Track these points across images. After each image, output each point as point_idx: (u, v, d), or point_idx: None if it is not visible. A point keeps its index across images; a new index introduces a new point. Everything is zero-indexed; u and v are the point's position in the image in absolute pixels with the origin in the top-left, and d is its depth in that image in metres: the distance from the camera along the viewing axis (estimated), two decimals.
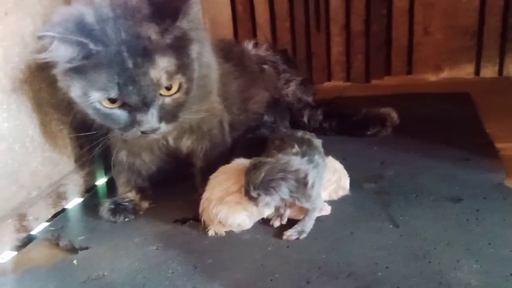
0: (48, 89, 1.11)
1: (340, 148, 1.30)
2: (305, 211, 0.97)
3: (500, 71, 1.83)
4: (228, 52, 1.28)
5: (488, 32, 1.78)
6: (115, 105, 0.91)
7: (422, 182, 1.09)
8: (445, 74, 1.89)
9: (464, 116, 1.42)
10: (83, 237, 1.05)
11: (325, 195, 1.04)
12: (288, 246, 0.93)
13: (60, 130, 1.18)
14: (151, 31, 0.87)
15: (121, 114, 0.92)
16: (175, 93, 0.94)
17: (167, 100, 0.93)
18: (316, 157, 1.00)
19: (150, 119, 0.91)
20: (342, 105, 1.54)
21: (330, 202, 1.04)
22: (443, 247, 0.86)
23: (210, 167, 1.09)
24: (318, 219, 1.00)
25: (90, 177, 1.28)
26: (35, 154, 1.10)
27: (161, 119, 0.93)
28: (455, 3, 1.78)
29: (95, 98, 0.89)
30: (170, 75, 0.91)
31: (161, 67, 0.89)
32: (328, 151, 1.10)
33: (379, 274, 0.81)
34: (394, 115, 1.39)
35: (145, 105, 0.90)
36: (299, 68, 1.66)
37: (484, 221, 0.91)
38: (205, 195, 1.01)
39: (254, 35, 1.98)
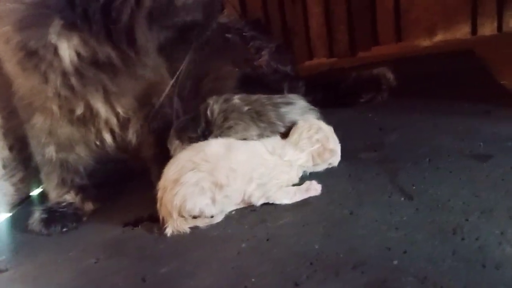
0: None
1: (329, 119, 1.08)
2: None
3: (499, 27, 1.61)
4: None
5: None
6: None
7: (434, 143, 0.85)
8: (439, 37, 1.67)
9: (472, 70, 1.19)
10: (3, 257, 0.81)
11: (305, 156, 0.82)
12: (268, 239, 0.69)
13: None
14: None
15: None
16: None
17: None
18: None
19: None
20: (327, 75, 1.31)
21: (321, 179, 0.81)
22: (478, 217, 0.62)
23: (165, 154, 0.85)
24: (306, 201, 0.77)
25: (24, 184, 1.04)
26: None
27: None
28: None
29: None
30: None
31: None
32: None
33: (395, 262, 0.57)
34: (389, 75, 1.16)
35: None
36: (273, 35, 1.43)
37: None
38: (160, 184, 0.78)
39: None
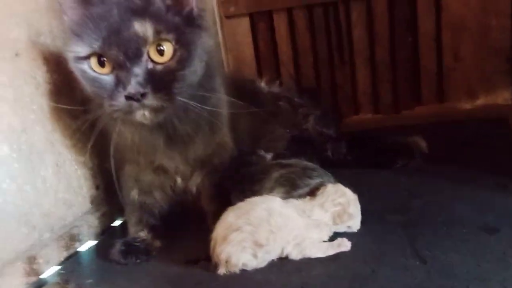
0: (62, 130, 1.13)
1: (364, 180, 1.24)
2: None
3: None
4: (240, 89, 1.24)
5: None
6: (105, 70, 0.87)
7: (453, 212, 0.99)
8: (480, 101, 1.76)
9: (502, 143, 1.30)
10: (91, 280, 1.01)
11: (327, 216, 0.96)
12: (301, 287, 0.84)
13: (75, 171, 1.18)
14: None
15: (108, 79, 0.87)
16: (169, 60, 0.88)
17: (158, 67, 0.87)
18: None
19: (133, 78, 0.83)
20: (368, 136, 1.46)
21: (351, 237, 0.96)
22: (476, 284, 0.75)
23: (221, 206, 1.04)
24: (337, 256, 0.92)
25: (106, 218, 1.25)
26: (47, 195, 1.09)
27: (147, 82, 0.84)
28: (485, 24, 1.67)
29: (81, 53, 0.86)
30: (158, 32, 0.85)
31: (149, 22, 0.84)
32: (351, 184, 1.03)
33: None
34: (422, 144, 1.30)
35: (128, 60, 0.83)
36: (322, 101, 1.61)
37: None
38: (212, 234, 0.96)
39: (277, 71, 1.95)
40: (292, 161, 1.13)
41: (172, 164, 1.07)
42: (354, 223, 0.99)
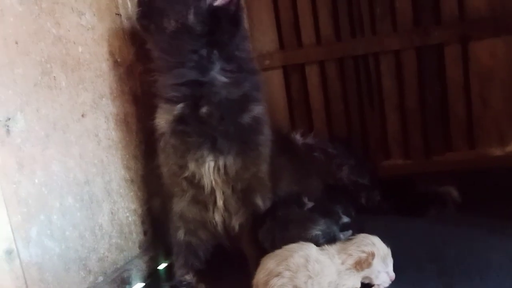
0: (118, 180, 1.24)
1: (399, 228, 1.29)
2: None
3: None
4: (279, 144, 1.33)
5: None
6: None
7: (487, 261, 1.03)
8: (511, 147, 1.80)
9: None
10: None
11: (350, 260, 1.00)
12: None
13: (126, 218, 1.27)
14: None
15: None
16: None
17: None
18: None
19: None
20: (401, 184, 1.52)
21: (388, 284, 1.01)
22: None
23: (262, 250, 1.10)
24: None
25: (153, 262, 1.34)
26: (103, 241, 1.18)
27: None
28: None
29: None
30: None
31: None
32: (386, 231, 1.09)
33: None
34: (455, 194, 1.35)
35: None
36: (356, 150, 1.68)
37: None
38: (253, 280, 1.02)
39: (309, 119, 2.03)
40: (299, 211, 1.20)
41: (209, 174, 1.13)
42: (376, 277, 1.01)
